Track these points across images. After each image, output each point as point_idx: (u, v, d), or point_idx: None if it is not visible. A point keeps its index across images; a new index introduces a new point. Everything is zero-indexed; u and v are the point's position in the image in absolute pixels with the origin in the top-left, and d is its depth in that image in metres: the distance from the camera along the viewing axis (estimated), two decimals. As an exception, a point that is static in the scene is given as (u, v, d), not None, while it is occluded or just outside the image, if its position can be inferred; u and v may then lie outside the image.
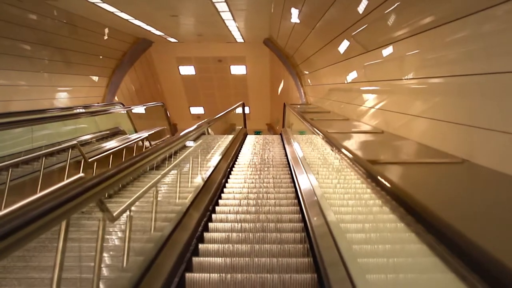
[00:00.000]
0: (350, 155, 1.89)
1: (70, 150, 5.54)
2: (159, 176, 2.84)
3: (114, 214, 2.10)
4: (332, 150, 2.51)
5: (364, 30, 5.46)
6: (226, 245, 3.06)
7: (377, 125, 4.66)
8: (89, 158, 6.12)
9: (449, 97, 3.02)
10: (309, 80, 13.29)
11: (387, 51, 4.64)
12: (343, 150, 2.04)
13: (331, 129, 4.54)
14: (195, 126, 4.92)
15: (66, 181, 1.67)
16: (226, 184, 5.30)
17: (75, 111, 10.21)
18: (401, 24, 4.03)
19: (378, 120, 4.73)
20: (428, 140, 3.17)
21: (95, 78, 14.23)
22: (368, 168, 1.59)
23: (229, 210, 4.06)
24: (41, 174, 4.62)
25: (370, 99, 5.48)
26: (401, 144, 3.60)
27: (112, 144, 8.79)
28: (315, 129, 3.39)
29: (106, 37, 13.04)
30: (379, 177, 1.40)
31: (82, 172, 6.00)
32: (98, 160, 6.42)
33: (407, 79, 3.84)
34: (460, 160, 2.42)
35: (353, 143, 3.70)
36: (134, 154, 8.72)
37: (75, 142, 5.68)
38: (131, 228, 2.29)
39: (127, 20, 11.12)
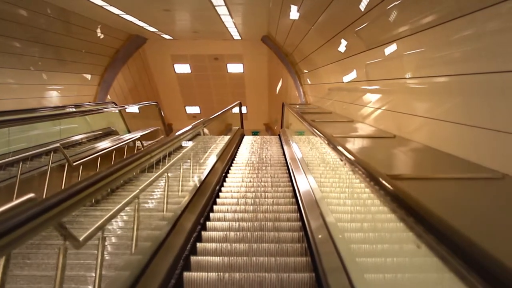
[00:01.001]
0: (367, 170, 1.55)
1: (52, 154, 5.18)
2: (137, 192, 2.49)
3: (81, 239, 1.76)
4: (341, 160, 2.17)
5: (368, 26, 5.15)
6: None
7: (387, 128, 4.31)
8: (74, 162, 5.78)
9: (477, 97, 2.67)
10: (308, 80, 13.00)
11: (396, 47, 4.31)
12: (357, 162, 1.70)
13: (336, 132, 4.20)
14: (187, 128, 4.64)
15: (9, 205, 1.32)
16: (222, 188, 5.06)
17: (64, 110, 9.86)
18: (412, 18, 3.70)
19: (388, 122, 4.37)
20: (452, 148, 2.79)
21: (87, 76, 13.87)
22: (394, 189, 1.26)
23: (224, 216, 3.84)
24: (17, 181, 4.27)
25: (376, 99, 5.15)
26: (420, 153, 3.23)
27: (102, 145, 8.50)
28: (319, 133, 3.04)
29: (97, 33, 12.67)
30: (418, 210, 1.06)
31: (66, 177, 5.68)
32: (85, 164, 6.11)
33: (421, 77, 3.51)
34: (500, 176, 2.07)
35: (363, 150, 3.35)
36: (124, 156, 8.43)
37: (57, 144, 5.32)
38: (103, 256, 1.94)
39: (117, 15, 10.74)
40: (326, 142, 2.68)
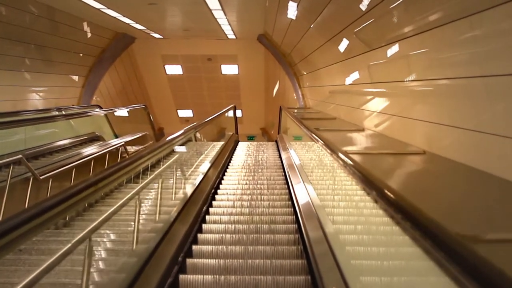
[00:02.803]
0: (436, 233, 0.96)
1: (11, 166, 4.56)
2: (86, 232, 1.87)
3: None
4: (367, 193, 1.57)
5: (377, 21, 4.62)
6: None
7: (411, 140, 3.65)
8: (42, 175, 5.21)
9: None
10: (307, 82, 12.50)
11: (415, 42, 3.75)
12: (406, 208, 1.09)
13: (347, 144, 3.60)
14: (172, 136, 4.12)
15: None
16: (209, 210, 4.41)
17: (40, 115, 9.27)
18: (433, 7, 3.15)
19: (412, 133, 3.72)
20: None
21: (72, 78, 13.27)
22: None
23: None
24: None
25: (392, 104, 4.54)
26: (477, 180, 2.47)
27: (82, 152, 7.96)
28: (332, 151, 2.40)
29: (79, 31, 12.05)
30: None
31: (31, 194, 5.08)
32: (58, 176, 5.56)
33: (458, 77, 2.91)
34: None
35: (392, 174, 2.69)
36: (106, 165, 7.83)
37: (19, 156, 4.71)
38: None
39: (99, 9, 10.10)
40: (341, 162, 2.07)
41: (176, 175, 4.35)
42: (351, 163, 1.76)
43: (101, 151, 7.38)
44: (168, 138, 4.16)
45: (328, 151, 2.47)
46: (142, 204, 4.98)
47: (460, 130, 2.75)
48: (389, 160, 3.22)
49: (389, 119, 4.45)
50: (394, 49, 4.44)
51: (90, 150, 8.22)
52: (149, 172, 4.96)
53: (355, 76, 6.53)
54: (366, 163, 2.34)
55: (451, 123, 2.91)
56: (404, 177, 2.67)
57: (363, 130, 5.22)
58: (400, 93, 4.36)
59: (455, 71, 2.95)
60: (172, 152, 4.54)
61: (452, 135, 2.88)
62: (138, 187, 2.89)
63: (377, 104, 5.08)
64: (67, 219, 5.10)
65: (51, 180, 5.43)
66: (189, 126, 5.27)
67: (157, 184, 4.31)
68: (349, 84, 6.90)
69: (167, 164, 4.03)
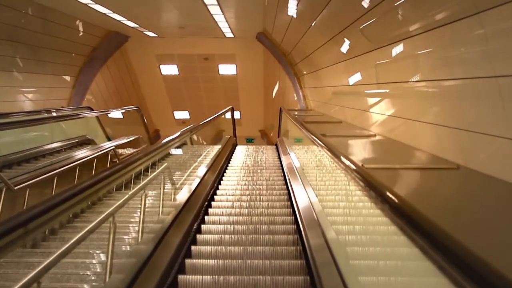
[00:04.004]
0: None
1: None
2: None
3: None
4: (404, 234, 1.15)
5: (383, 16, 4.22)
6: None
7: (440, 151, 3.12)
8: (17, 185, 4.82)
9: None
10: (308, 82, 12.14)
11: (435, 34, 3.34)
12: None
13: (362, 155, 3.17)
14: (164, 142, 3.79)
15: None
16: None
17: (24, 117, 8.86)
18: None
19: (438, 142, 3.23)
20: None
21: (58, 78, 12.85)
22: None
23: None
24: None
25: (408, 107, 4.12)
26: None
27: (69, 157, 7.59)
28: (350, 170, 1.94)
29: (68, 28, 11.63)
30: None
31: (6, 206, 4.69)
32: (37, 184, 5.18)
33: (503, 76, 2.46)
34: None
35: (425, 200, 2.23)
36: (93, 171, 7.39)
37: (-10, 164, 4.32)
38: None
39: (86, 4, 9.66)
40: (362, 182, 1.65)
41: (163, 187, 3.97)
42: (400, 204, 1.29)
43: (89, 156, 7.02)
44: (160, 143, 3.83)
45: (342, 165, 2.04)
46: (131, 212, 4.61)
47: (503, 140, 2.27)
48: (420, 177, 2.71)
49: (404, 124, 3.98)
50: (408, 44, 4.03)
51: (78, 154, 7.86)
52: (142, 177, 4.62)
53: (362, 76, 6.13)
54: (393, 182, 1.92)
55: (491, 131, 2.43)
56: (435, 199, 2.18)
57: (374, 136, 4.76)
58: (418, 94, 3.91)
59: (496, 67, 2.50)
60: (166, 157, 4.21)
61: (491, 144, 2.38)
62: (114, 206, 2.44)
63: (390, 106, 4.62)
64: (46, 232, 4.73)
65: (28, 190, 5.04)
66: (183, 129, 4.95)
67: (153, 189, 3.94)
68: (356, 85, 6.49)
69: (151, 176, 3.63)
